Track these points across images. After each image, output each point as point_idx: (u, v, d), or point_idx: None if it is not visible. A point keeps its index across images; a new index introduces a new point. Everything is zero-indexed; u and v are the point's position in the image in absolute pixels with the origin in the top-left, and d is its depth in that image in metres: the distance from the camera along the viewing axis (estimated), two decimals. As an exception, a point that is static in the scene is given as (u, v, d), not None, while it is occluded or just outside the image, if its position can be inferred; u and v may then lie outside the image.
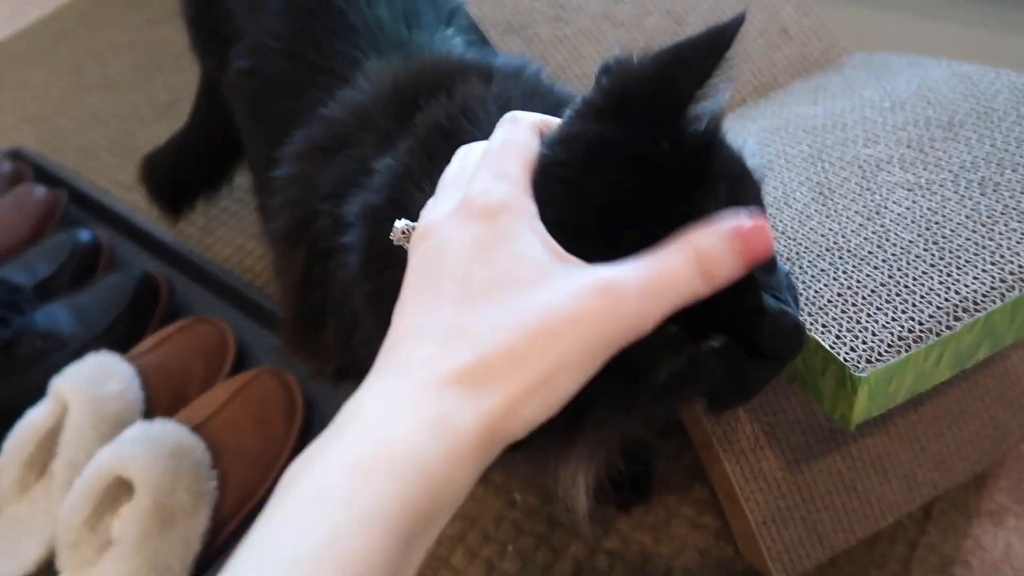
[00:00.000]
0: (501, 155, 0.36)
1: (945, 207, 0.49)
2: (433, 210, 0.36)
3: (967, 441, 0.68)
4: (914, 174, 0.52)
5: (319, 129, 0.55)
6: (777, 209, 0.53)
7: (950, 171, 0.51)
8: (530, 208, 0.34)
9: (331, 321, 0.55)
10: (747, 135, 0.63)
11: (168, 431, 0.75)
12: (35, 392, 0.84)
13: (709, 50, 0.36)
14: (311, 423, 0.85)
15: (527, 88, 0.52)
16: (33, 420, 0.79)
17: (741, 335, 0.37)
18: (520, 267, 0.32)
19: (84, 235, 1.03)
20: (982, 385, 0.69)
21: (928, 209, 0.49)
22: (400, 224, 0.38)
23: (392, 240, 0.39)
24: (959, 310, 0.43)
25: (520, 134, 0.37)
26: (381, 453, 0.30)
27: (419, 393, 0.31)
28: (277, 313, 0.62)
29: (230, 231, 1.10)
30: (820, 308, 0.45)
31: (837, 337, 0.43)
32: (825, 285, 0.46)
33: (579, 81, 0.71)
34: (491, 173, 0.35)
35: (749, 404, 0.64)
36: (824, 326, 0.44)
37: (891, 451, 0.67)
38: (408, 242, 0.38)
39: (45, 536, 0.77)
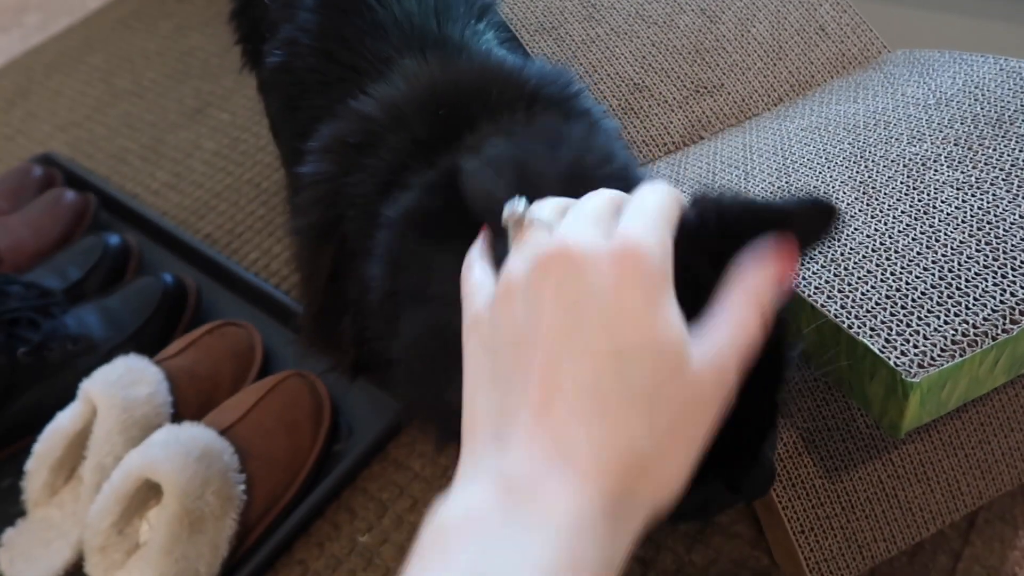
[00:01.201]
0: (659, 218, 0.32)
1: (997, 206, 0.47)
2: (571, 232, 0.31)
3: (1013, 449, 0.66)
4: (963, 172, 0.50)
5: (349, 123, 0.55)
6: (819, 209, 0.52)
7: (1001, 169, 0.50)
8: (672, 281, 0.31)
9: (348, 316, 0.55)
10: (786, 135, 0.62)
11: (196, 435, 0.75)
12: (65, 395, 0.84)
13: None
14: (338, 427, 0.85)
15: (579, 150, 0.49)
16: (62, 423, 0.79)
17: (733, 479, 0.37)
18: (668, 338, 0.29)
19: (114, 239, 1.04)
20: (1029, 391, 0.66)
21: (979, 208, 0.47)
22: (520, 207, 0.35)
23: (504, 223, 0.35)
24: (1016, 312, 0.41)
25: (673, 210, 0.33)
26: None
27: (549, 531, 0.27)
28: (299, 308, 0.62)
29: (257, 235, 1.10)
30: (868, 311, 0.44)
31: (887, 341, 0.42)
32: (872, 287, 0.45)
33: (611, 81, 0.70)
34: (651, 229, 0.31)
35: (788, 411, 0.63)
36: (873, 330, 0.43)
37: (934, 459, 0.65)
38: (517, 228, 0.34)
39: (74, 539, 0.77)
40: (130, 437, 0.77)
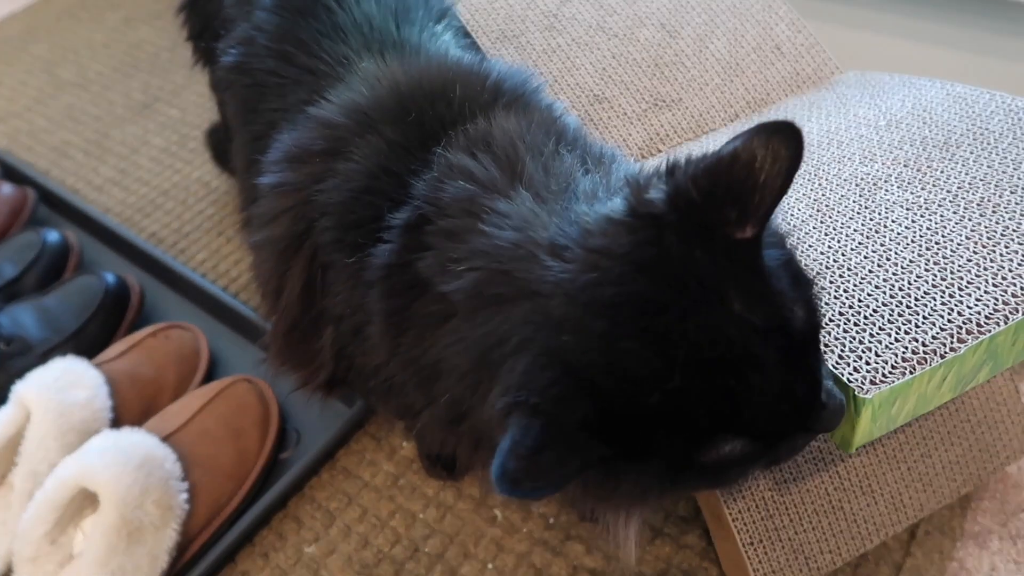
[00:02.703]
0: None
1: (945, 227, 0.48)
2: None
3: (953, 462, 0.68)
4: (912, 193, 0.52)
5: (311, 131, 0.53)
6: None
7: (948, 191, 0.51)
8: None
9: (328, 331, 0.54)
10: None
11: (137, 441, 0.72)
12: (-3, 398, 0.80)
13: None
14: (286, 434, 0.83)
15: (546, 130, 0.50)
16: (-7, 427, 0.76)
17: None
18: None
19: (52, 235, 1.00)
20: (968, 406, 0.68)
21: (928, 229, 0.49)
22: None
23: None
24: (963, 332, 0.42)
25: None
26: None
27: None
28: (264, 323, 0.60)
29: (205, 235, 1.07)
30: (821, 327, 0.44)
31: (840, 357, 0.42)
32: (826, 304, 0.46)
33: (572, 92, 0.70)
34: None
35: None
36: (826, 345, 0.43)
37: (878, 472, 0.66)
38: None
39: (2, 550, 0.73)
40: (66, 443, 0.74)
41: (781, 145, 0.37)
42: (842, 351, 0.43)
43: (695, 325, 0.36)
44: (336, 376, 0.57)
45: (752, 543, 0.63)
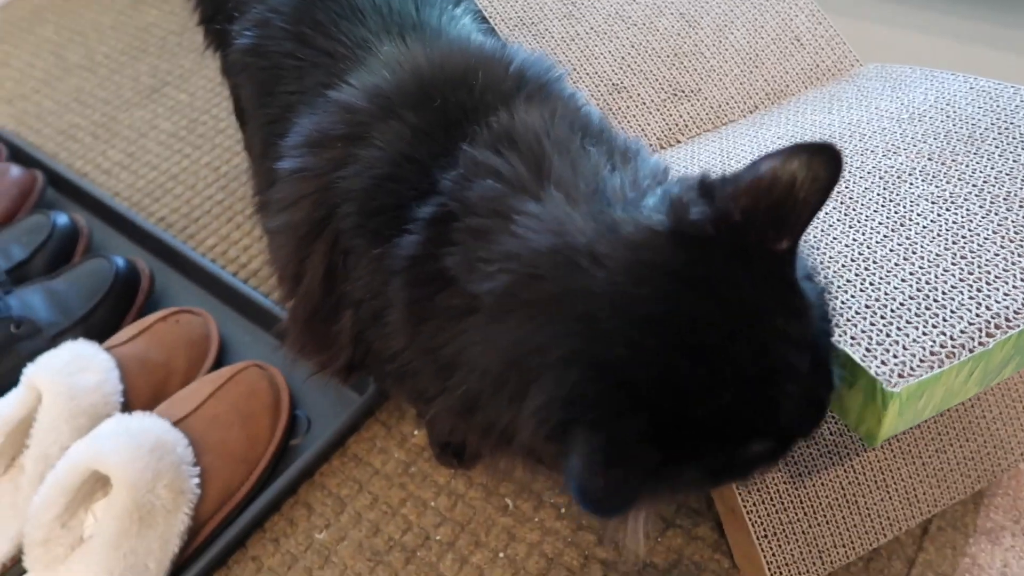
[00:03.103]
0: None
1: (971, 221, 0.48)
2: None
3: (968, 459, 0.68)
4: (937, 187, 0.51)
5: (333, 116, 0.53)
6: (798, 217, 0.52)
7: (974, 185, 0.51)
8: None
9: (347, 315, 0.53)
10: (763, 142, 0.62)
11: (149, 425, 0.72)
12: (6, 381, 0.80)
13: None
14: (297, 421, 0.83)
15: (570, 123, 0.50)
16: (3, 410, 0.75)
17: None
18: None
19: (62, 218, 0.99)
20: (983, 403, 0.68)
21: (954, 223, 0.48)
22: None
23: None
24: (991, 326, 0.42)
25: None
26: None
27: None
28: (280, 309, 0.59)
29: (215, 220, 1.07)
30: (848, 320, 0.44)
31: (867, 350, 0.42)
32: (852, 296, 0.45)
33: (590, 80, 0.70)
34: None
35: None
36: (853, 338, 0.43)
37: (893, 467, 0.66)
38: None
39: (12, 532, 0.73)
40: (77, 426, 0.74)
41: (821, 167, 0.38)
42: (869, 344, 0.42)
43: (742, 342, 0.38)
44: (354, 361, 0.56)
45: (766, 536, 0.63)
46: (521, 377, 0.41)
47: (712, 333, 0.38)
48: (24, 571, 0.70)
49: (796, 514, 0.64)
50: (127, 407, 0.78)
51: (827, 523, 0.65)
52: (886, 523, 0.66)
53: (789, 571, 0.64)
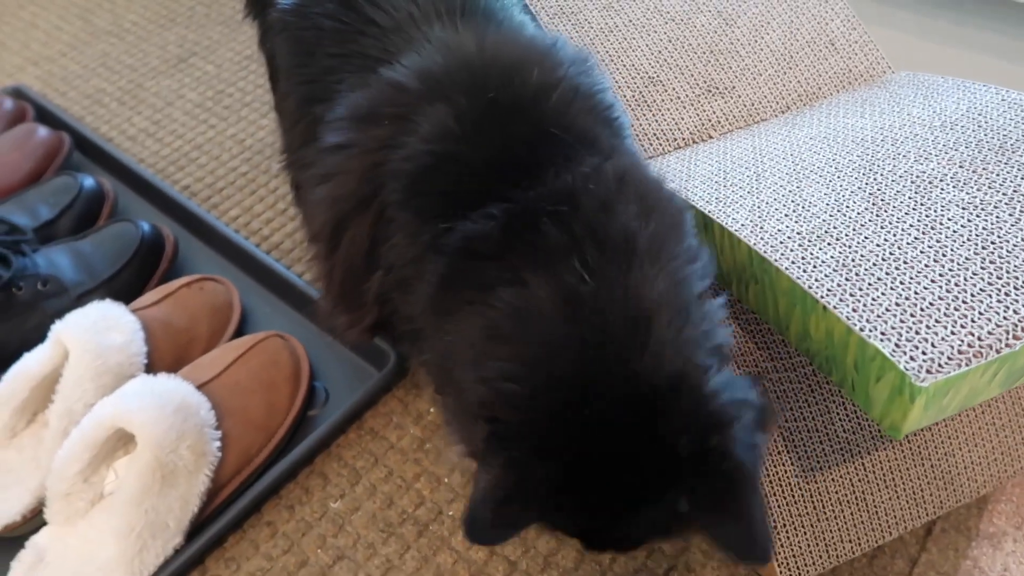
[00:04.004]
0: None
1: (1001, 228, 0.49)
2: None
3: (976, 463, 0.69)
4: (968, 193, 0.53)
5: (383, 94, 0.54)
6: (830, 215, 0.53)
7: (1004, 194, 0.52)
8: None
9: (376, 276, 0.55)
10: (796, 142, 0.63)
11: (174, 387, 0.73)
12: (29, 337, 0.81)
13: None
14: (315, 392, 0.84)
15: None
16: (29, 365, 0.77)
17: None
18: None
19: (88, 181, 1.00)
20: (994, 409, 0.70)
21: (984, 228, 0.50)
22: None
23: None
24: (1018, 329, 0.43)
25: None
26: None
27: None
28: (321, 270, 0.61)
29: (239, 192, 1.08)
30: (878, 316, 0.45)
31: (896, 345, 0.43)
32: (883, 294, 0.47)
33: (627, 72, 0.71)
34: None
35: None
36: (883, 334, 0.44)
37: (902, 467, 0.68)
38: None
39: (34, 485, 0.74)
40: (102, 384, 0.75)
41: None
42: (899, 340, 0.44)
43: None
44: (379, 320, 0.59)
45: (775, 528, 0.65)
46: (488, 383, 0.45)
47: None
48: (44, 523, 0.71)
49: (806, 508, 0.65)
50: (150, 369, 0.79)
51: (835, 518, 0.66)
52: (892, 522, 0.68)
53: (796, 563, 0.65)
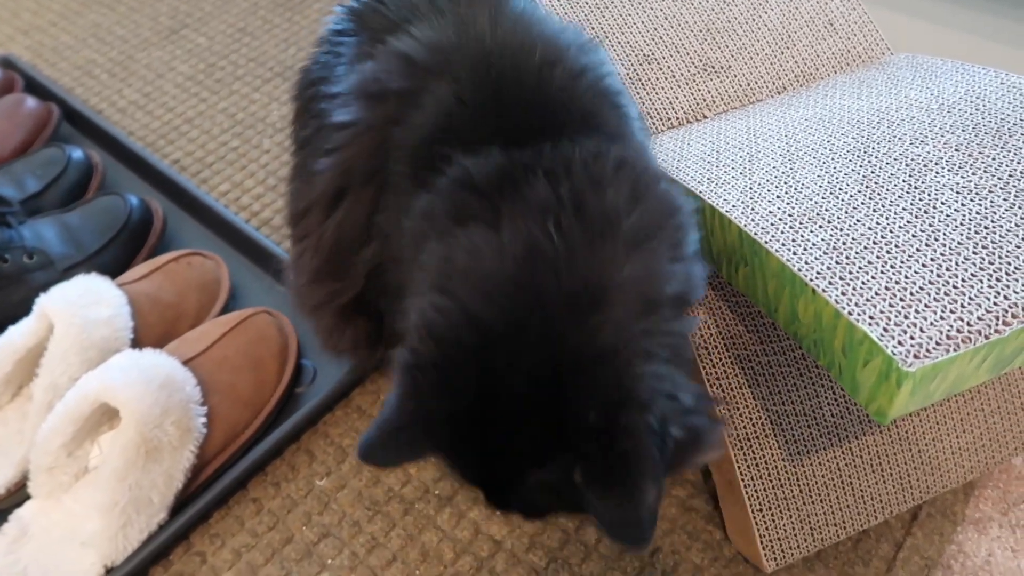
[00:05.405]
0: None
1: (995, 212, 0.49)
2: None
3: (963, 449, 0.69)
4: (963, 177, 0.52)
5: (390, 66, 0.54)
6: (823, 197, 0.53)
7: (999, 178, 0.51)
8: None
9: (373, 245, 0.55)
10: (791, 123, 0.63)
11: (159, 362, 0.73)
12: (16, 310, 0.80)
13: None
14: (303, 369, 0.83)
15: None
16: (14, 338, 0.76)
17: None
18: None
19: (77, 153, 0.99)
20: (983, 396, 0.70)
21: (977, 213, 0.49)
22: None
23: None
24: (1008, 315, 0.43)
25: None
26: None
27: None
28: (307, 242, 0.61)
29: (229, 166, 1.07)
30: (868, 300, 0.45)
31: (885, 330, 0.43)
32: (873, 277, 0.46)
33: (622, 50, 0.70)
34: None
35: (760, 392, 0.64)
36: (872, 318, 0.44)
37: (889, 452, 0.68)
38: None
39: (17, 458, 0.74)
40: (87, 358, 0.74)
41: None
42: (887, 325, 0.43)
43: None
44: (362, 294, 0.58)
45: (761, 510, 0.65)
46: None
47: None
48: (28, 497, 0.71)
49: (792, 491, 0.65)
50: (136, 344, 0.79)
51: (821, 502, 0.66)
52: (878, 506, 0.68)
53: (780, 545, 0.65)
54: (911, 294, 0.45)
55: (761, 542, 0.65)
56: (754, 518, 0.64)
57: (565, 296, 0.43)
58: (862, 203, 0.52)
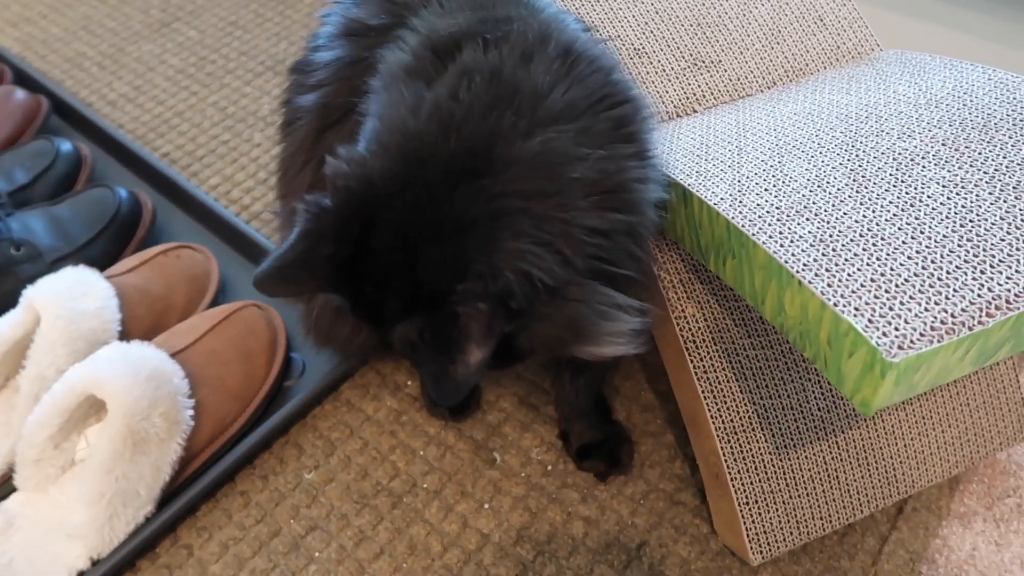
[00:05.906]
0: None
1: (980, 206, 0.49)
2: None
3: (949, 443, 0.70)
4: (949, 171, 0.52)
5: (373, 6, 0.57)
6: (810, 191, 0.53)
7: (985, 172, 0.51)
8: None
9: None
10: (779, 117, 0.63)
11: (147, 355, 0.72)
12: (4, 302, 0.80)
13: None
14: (292, 363, 0.83)
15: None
16: (1, 330, 0.75)
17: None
18: None
19: (66, 145, 0.98)
20: (968, 390, 0.70)
21: (963, 207, 0.49)
22: None
23: None
24: (991, 307, 0.43)
25: None
26: None
27: None
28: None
29: (219, 160, 1.06)
30: (853, 291, 0.45)
31: (870, 321, 0.43)
32: (858, 269, 0.46)
33: (611, 43, 0.70)
34: None
35: (747, 386, 0.65)
36: (857, 309, 0.44)
37: (875, 446, 0.68)
38: None
39: (3, 450, 0.73)
40: (74, 350, 0.74)
41: None
42: (872, 316, 0.43)
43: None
44: None
45: (747, 503, 0.65)
46: None
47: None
48: (14, 489, 0.70)
49: (778, 484, 0.65)
50: (124, 336, 0.78)
51: (807, 495, 0.66)
52: (864, 500, 0.68)
53: (767, 538, 0.65)
54: (896, 286, 0.45)
55: (747, 535, 0.65)
56: (741, 511, 0.65)
57: (448, 160, 0.45)
58: (849, 196, 0.52)
